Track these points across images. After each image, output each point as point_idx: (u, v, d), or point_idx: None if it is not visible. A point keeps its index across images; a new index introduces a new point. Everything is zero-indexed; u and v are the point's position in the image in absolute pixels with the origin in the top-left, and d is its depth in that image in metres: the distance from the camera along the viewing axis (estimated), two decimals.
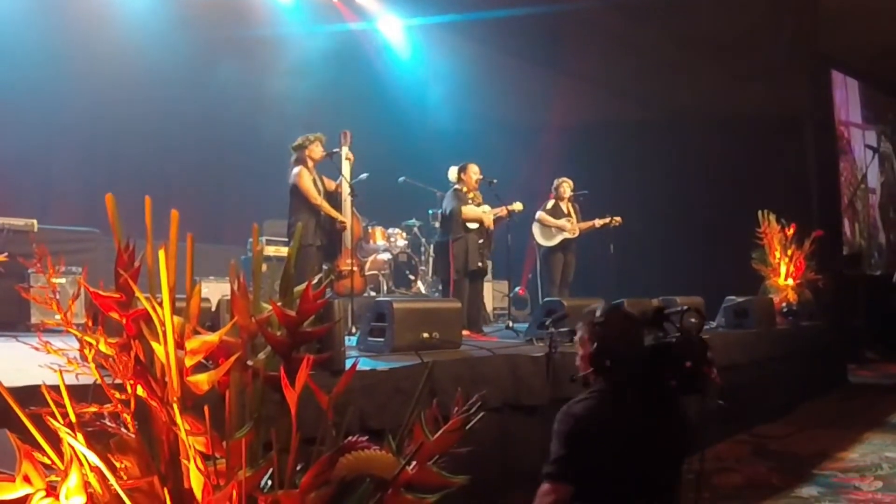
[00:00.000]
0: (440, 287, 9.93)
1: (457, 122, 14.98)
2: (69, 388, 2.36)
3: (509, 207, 9.70)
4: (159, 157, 11.15)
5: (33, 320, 7.83)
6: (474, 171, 9.45)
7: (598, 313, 3.42)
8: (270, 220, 11.11)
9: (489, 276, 11.80)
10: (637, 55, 14.16)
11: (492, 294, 12.86)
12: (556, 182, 11.38)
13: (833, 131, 15.86)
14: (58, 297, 2.53)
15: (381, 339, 5.99)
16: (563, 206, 11.25)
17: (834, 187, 15.56)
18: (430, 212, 12.10)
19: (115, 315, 2.42)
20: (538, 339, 6.92)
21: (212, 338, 2.36)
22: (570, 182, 11.36)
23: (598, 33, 14.25)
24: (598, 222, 11.28)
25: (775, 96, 13.53)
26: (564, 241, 11.11)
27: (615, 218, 11.32)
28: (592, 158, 13.86)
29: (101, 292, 2.40)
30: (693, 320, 3.45)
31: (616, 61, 14.20)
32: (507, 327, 9.43)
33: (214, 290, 8.89)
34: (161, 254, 2.28)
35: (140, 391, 2.41)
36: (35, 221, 9.09)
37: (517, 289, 13.04)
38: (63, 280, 8.26)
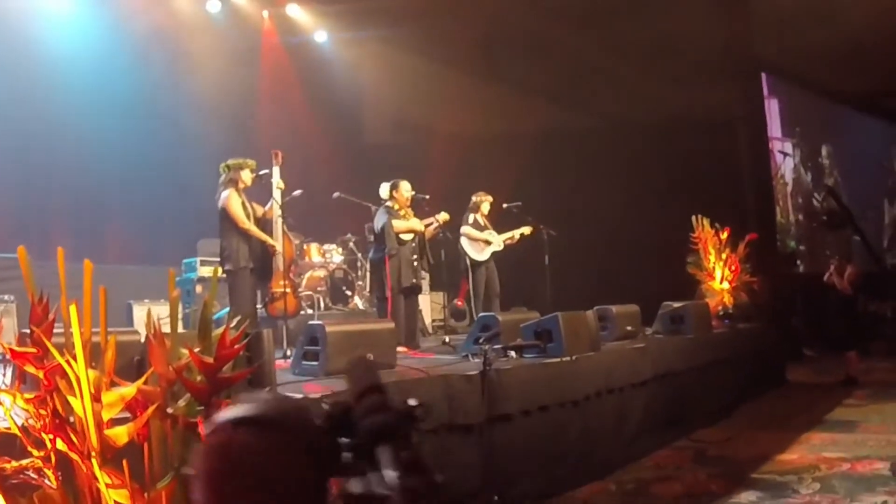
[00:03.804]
0: (377, 302, 9.85)
1: (391, 135, 14.99)
2: None
3: (438, 218, 9.73)
4: (92, 176, 10.94)
5: None
6: (406, 189, 9.35)
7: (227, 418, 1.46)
8: (205, 238, 11.00)
9: (427, 288, 11.77)
10: (569, 62, 14.28)
11: (430, 306, 12.82)
12: (476, 198, 11.18)
13: (764, 134, 16.17)
14: None
15: (315, 363, 5.96)
16: (481, 220, 11.10)
17: (767, 189, 15.89)
18: (367, 226, 12.08)
19: (31, 369, 2.40)
20: (474, 355, 6.94)
21: (128, 391, 2.36)
22: (490, 198, 11.19)
23: (531, 41, 14.30)
24: (515, 234, 11.15)
25: (707, 101, 13.64)
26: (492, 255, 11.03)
27: (525, 228, 11.21)
28: (525, 167, 13.90)
29: (16, 348, 2.38)
30: None
31: (549, 69, 14.27)
32: (444, 343, 9.44)
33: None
34: (73, 309, 2.26)
35: (60, 444, 2.40)
36: None
37: (455, 300, 13.03)
38: None
